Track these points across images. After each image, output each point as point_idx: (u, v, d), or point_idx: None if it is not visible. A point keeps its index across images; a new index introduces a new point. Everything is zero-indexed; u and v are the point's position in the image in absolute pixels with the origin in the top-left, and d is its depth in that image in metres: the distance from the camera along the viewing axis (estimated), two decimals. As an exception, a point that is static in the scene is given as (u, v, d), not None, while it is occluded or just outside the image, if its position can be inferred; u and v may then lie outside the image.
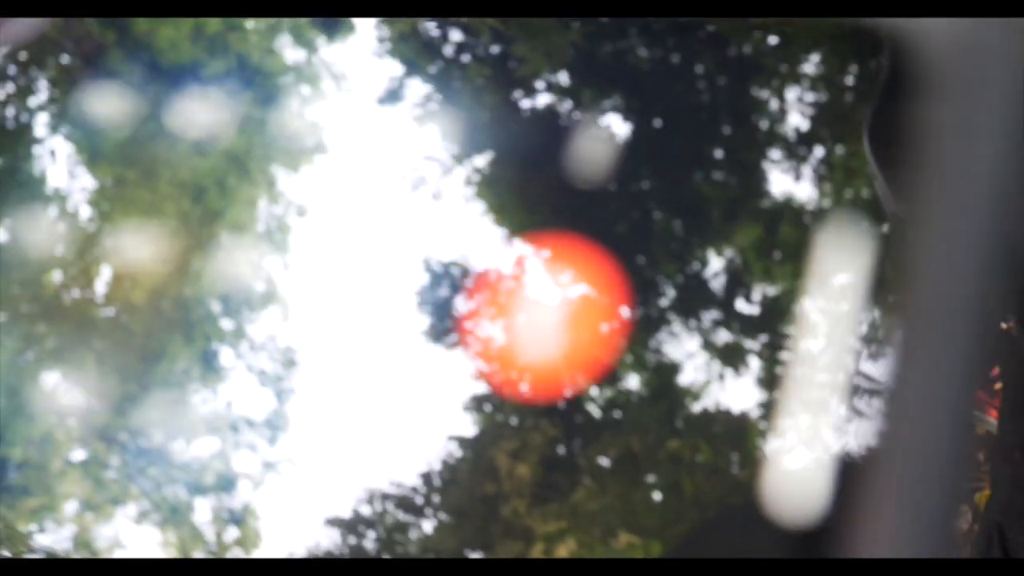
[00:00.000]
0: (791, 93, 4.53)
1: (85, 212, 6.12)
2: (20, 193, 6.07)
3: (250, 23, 5.81)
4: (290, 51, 6.07)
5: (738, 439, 3.87)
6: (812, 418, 4.29)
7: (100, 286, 6.26)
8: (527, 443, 3.74)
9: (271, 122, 6.12)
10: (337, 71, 6.13)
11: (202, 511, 6.41)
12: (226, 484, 6.51)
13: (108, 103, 5.71)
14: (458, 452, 4.02)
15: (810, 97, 4.68)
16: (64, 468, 6.01)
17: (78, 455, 6.15)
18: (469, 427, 4.09)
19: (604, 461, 3.73)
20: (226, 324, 6.41)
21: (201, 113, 5.81)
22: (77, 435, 6.29)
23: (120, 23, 5.71)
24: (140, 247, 6.12)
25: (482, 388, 4.26)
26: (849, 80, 4.60)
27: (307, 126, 6.38)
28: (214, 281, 6.31)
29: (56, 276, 6.22)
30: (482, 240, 4.80)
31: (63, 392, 6.44)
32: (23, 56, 5.89)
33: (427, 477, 3.96)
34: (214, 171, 6.04)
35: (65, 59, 5.81)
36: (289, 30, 5.89)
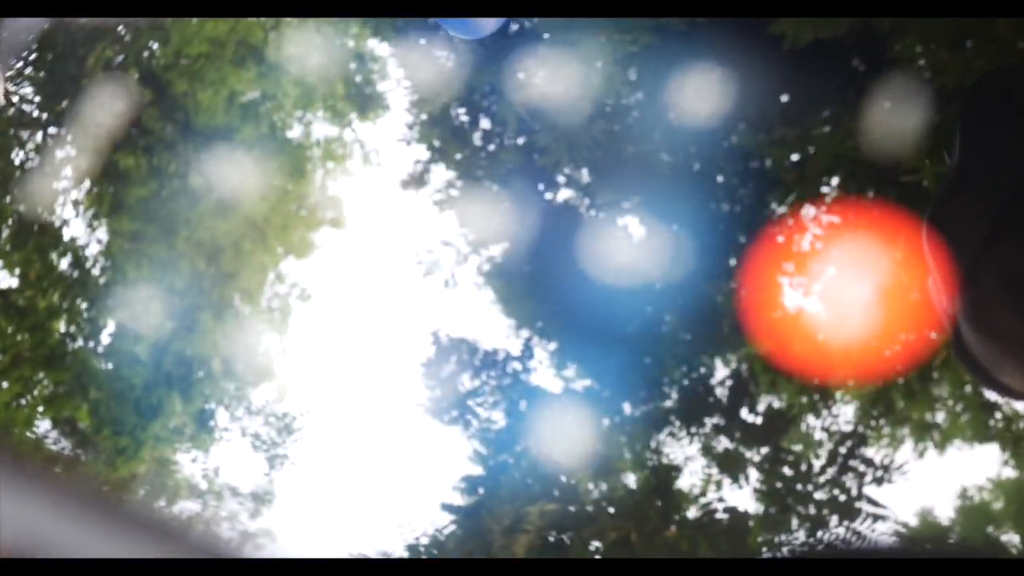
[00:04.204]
0: (807, 210, 4.60)
1: (99, 264, 6.17)
2: (39, 240, 6.12)
3: (285, 96, 5.95)
4: (321, 125, 6.20)
5: (738, 541, 3.79)
6: (808, 536, 4.22)
7: (105, 338, 6.26)
8: (520, 522, 3.68)
9: (294, 192, 6.21)
10: (365, 149, 6.24)
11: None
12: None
13: (137, 158, 5.80)
14: (449, 527, 3.95)
15: (824, 217, 4.75)
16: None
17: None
18: (462, 503, 4.02)
19: (597, 546, 3.67)
20: (226, 386, 6.37)
21: (227, 176, 5.90)
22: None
23: (159, 84, 5.86)
24: (149, 302, 6.14)
25: (477, 468, 4.22)
26: (864, 203, 4.67)
27: (329, 200, 6.47)
28: (219, 343, 6.30)
29: (62, 325, 6.22)
30: (490, 327, 4.82)
31: (52, 440, 6.37)
32: (60, 105, 6.01)
33: (414, 550, 3.88)
34: (231, 234, 6.10)
35: (100, 112, 5.93)
36: (322, 104, 6.02)
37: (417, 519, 3.92)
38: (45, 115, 5.88)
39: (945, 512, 5.04)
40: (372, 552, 3.78)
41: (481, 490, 3.97)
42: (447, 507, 3.93)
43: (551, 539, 3.63)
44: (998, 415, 4.78)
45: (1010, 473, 4.94)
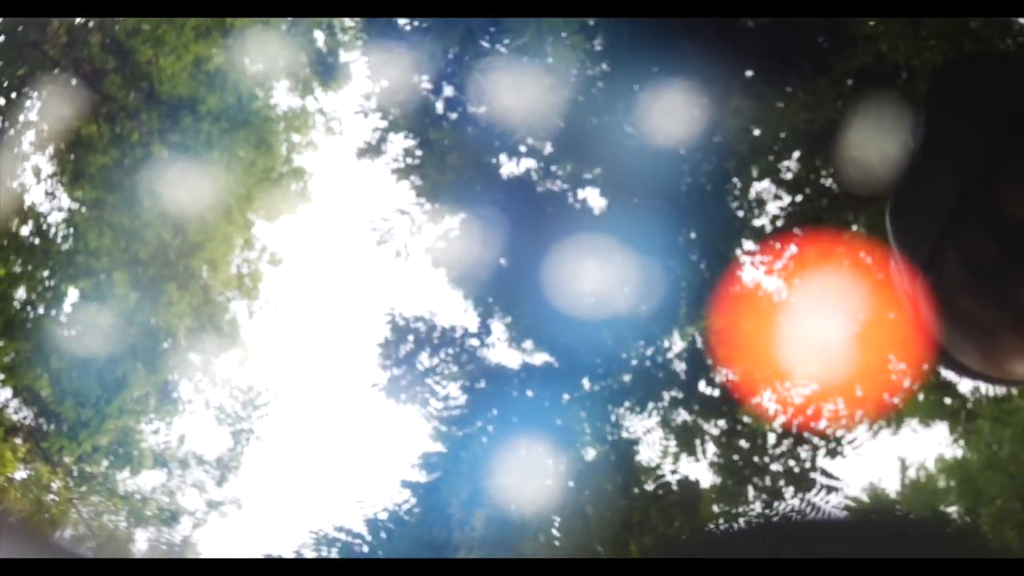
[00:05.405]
0: (768, 186, 4.63)
1: (61, 232, 6.10)
2: None
3: (250, 64, 5.89)
4: (285, 96, 6.16)
5: (691, 512, 3.85)
6: (764, 506, 4.29)
7: (67, 307, 6.20)
8: (479, 496, 3.72)
9: (258, 162, 6.16)
10: (328, 117, 6.21)
11: (140, 541, 6.26)
12: (167, 518, 6.38)
13: (99, 126, 5.73)
14: (409, 501, 3.98)
15: (786, 196, 4.78)
16: (5, 485, 5.83)
17: (21, 474, 6.02)
18: (421, 477, 4.05)
19: (556, 519, 3.72)
20: (192, 358, 6.34)
21: (191, 146, 5.85)
22: (22, 455, 6.16)
23: (122, 50, 5.77)
24: (113, 272, 6.09)
25: (436, 445, 4.24)
26: (825, 182, 4.71)
27: (291, 170, 6.43)
28: (184, 313, 6.26)
29: (22, 293, 6.16)
30: (446, 300, 4.82)
31: (12, 410, 6.32)
32: (21, 70, 5.91)
33: (373, 524, 3.91)
34: (196, 205, 6.05)
35: (61, 79, 5.84)
36: (287, 74, 5.98)
37: (377, 494, 3.95)
38: (5, 81, 5.79)
39: (894, 486, 5.15)
40: (330, 528, 3.80)
41: (441, 466, 4.00)
42: (407, 483, 3.96)
43: (509, 513, 3.68)
44: (953, 393, 4.86)
45: (958, 452, 5.04)
